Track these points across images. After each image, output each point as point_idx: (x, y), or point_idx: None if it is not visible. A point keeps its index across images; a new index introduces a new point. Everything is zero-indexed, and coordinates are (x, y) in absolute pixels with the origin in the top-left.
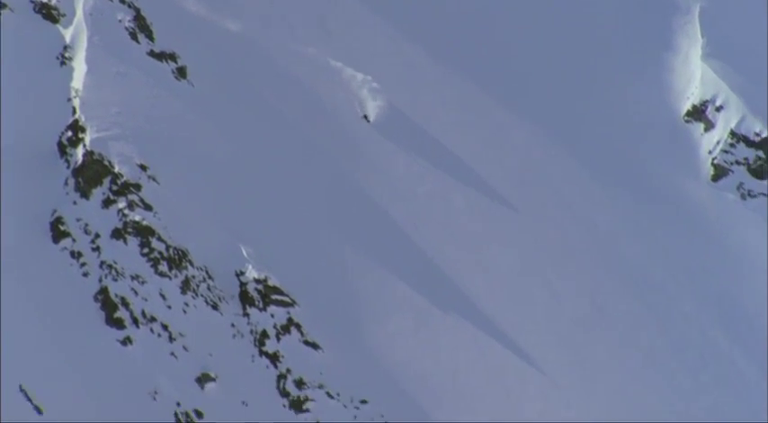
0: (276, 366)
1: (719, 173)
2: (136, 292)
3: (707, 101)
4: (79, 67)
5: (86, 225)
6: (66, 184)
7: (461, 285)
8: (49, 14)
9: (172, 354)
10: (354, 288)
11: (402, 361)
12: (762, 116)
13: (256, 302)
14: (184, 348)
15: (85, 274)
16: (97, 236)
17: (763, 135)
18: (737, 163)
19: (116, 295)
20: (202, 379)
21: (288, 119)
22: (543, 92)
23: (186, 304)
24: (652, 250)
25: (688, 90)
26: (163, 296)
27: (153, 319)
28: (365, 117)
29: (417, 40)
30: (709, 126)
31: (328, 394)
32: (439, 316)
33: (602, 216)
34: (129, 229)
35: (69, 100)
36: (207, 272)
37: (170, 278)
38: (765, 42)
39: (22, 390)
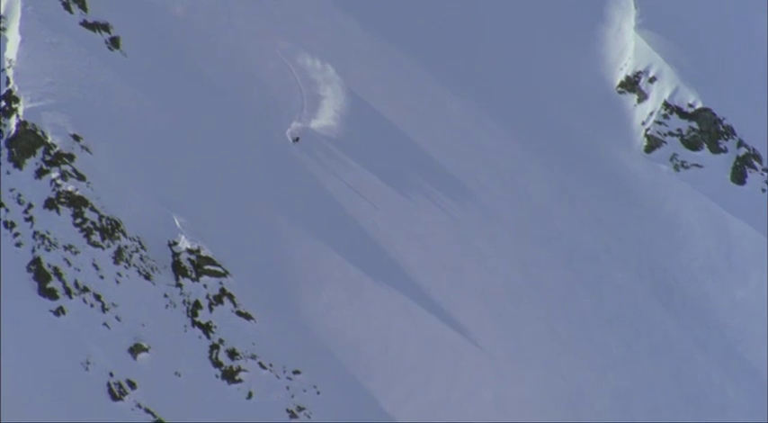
0: (209, 337)
1: (653, 144)
2: (69, 263)
3: (640, 72)
4: (13, 37)
5: (20, 195)
6: None
7: (394, 256)
8: None
9: (104, 324)
10: (288, 259)
11: (335, 331)
12: (695, 87)
13: (189, 273)
14: (117, 318)
15: (18, 244)
16: (30, 206)
17: (697, 106)
18: (671, 134)
19: (49, 265)
20: (135, 349)
21: (221, 89)
22: (476, 63)
23: (119, 274)
24: (585, 221)
25: (621, 61)
26: (96, 266)
27: (86, 290)
28: (297, 139)
29: (350, 12)
30: (643, 97)
31: (261, 364)
32: (372, 287)
33: (535, 186)
34: (63, 199)
35: (3, 70)
36: (140, 242)
37: (103, 248)
38: (698, 12)
39: None
